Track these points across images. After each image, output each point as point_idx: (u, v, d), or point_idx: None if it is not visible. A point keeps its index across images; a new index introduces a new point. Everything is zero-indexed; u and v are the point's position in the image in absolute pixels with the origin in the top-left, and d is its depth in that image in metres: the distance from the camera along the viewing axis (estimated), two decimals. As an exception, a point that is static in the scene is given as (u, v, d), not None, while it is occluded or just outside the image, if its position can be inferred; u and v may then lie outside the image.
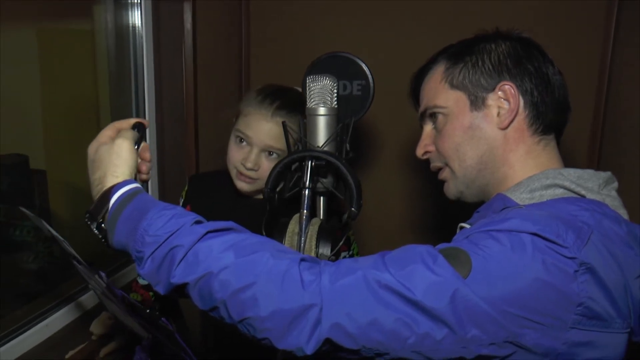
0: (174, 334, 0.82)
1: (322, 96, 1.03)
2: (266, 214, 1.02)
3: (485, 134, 1.02)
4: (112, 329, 1.50)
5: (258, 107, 1.37)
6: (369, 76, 1.08)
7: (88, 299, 1.63)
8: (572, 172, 0.96)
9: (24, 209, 1.08)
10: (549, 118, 1.01)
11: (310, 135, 1.04)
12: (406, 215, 2.18)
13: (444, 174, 1.09)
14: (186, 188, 1.57)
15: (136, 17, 1.86)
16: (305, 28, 2.15)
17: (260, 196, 1.03)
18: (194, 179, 1.61)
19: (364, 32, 2.08)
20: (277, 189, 1.04)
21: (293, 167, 1.03)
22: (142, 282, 1.56)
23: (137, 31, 1.86)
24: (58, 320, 1.52)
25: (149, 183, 1.92)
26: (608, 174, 0.98)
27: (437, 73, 1.07)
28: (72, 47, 1.79)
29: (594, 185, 0.94)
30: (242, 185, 1.40)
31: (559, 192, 0.94)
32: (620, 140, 1.90)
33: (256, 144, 1.36)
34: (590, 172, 0.97)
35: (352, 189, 0.97)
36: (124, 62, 1.86)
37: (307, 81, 1.05)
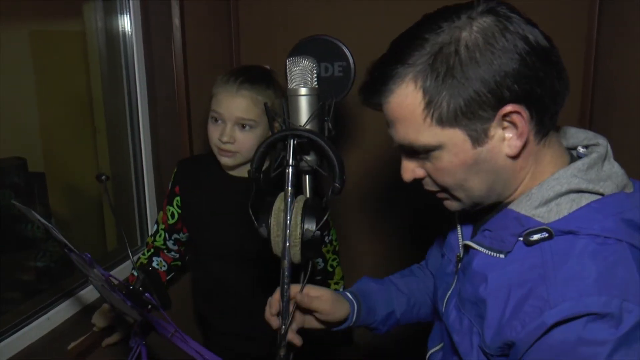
0: (159, 307, 0.84)
1: (302, 77, 1.05)
2: (252, 193, 1.04)
3: (494, 166, 0.89)
4: (114, 320, 1.53)
5: (224, 86, 1.52)
6: (350, 57, 1.10)
7: (88, 293, 1.66)
8: (580, 165, 0.89)
9: (15, 202, 1.13)
10: (555, 117, 0.88)
11: (292, 115, 1.06)
12: (392, 197, 2.23)
13: (443, 196, 0.98)
14: (175, 170, 1.70)
15: (125, 16, 1.88)
16: (293, 14, 2.18)
17: (246, 175, 1.06)
18: (182, 162, 1.74)
19: (350, 15, 2.10)
20: (263, 169, 1.06)
21: (278, 147, 1.06)
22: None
23: (126, 30, 1.89)
24: (60, 313, 1.55)
25: (145, 177, 1.96)
26: (602, 146, 0.93)
27: (410, 101, 0.86)
28: (63, 48, 1.82)
29: (606, 170, 0.90)
30: (225, 160, 1.54)
31: (574, 197, 0.87)
32: (611, 118, 1.92)
33: (228, 118, 1.50)
34: (594, 156, 0.90)
35: (335, 165, 0.99)
36: (115, 60, 1.88)
37: (288, 63, 1.07)
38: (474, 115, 0.83)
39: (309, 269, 1.06)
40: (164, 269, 1.74)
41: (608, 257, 0.81)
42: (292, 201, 1.00)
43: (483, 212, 1.00)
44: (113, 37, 1.88)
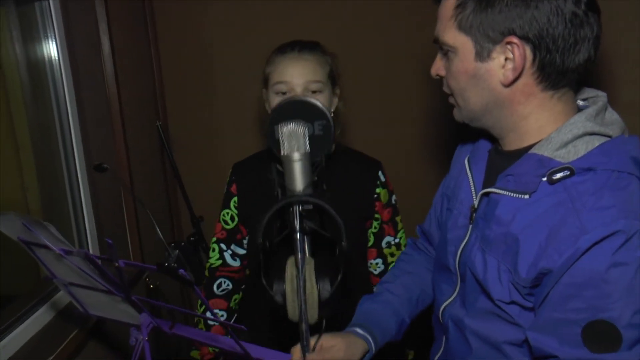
0: (192, 284, 0.83)
1: (295, 141, 1.09)
2: (262, 263, 1.08)
3: (489, 86, 1.02)
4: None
5: (284, 56, 1.51)
6: (328, 115, 1.15)
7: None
8: (591, 111, 1.01)
9: None
10: (563, 77, 0.99)
11: (288, 179, 1.10)
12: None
13: (452, 101, 1.12)
14: (230, 172, 1.69)
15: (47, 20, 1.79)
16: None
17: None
18: (236, 164, 1.71)
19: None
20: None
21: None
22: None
23: (48, 35, 1.79)
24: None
25: (80, 186, 1.88)
26: (602, 97, 1.06)
27: (450, 2, 1.02)
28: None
29: (608, 117, 1.03)
30: None
31: (587, 139, 0.99)
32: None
33: (297, 84, 1.48)
34: (600, 104, 1.03)
35: (341, 227, 1.05)
36: (39, 70, 1.79)
37: (277, 130, 1.10)
38: (484, 32, 0.97)
39: (323, 327, 1.12)
40: (225, 291, 1.70)
41: (626, 188, 0.93)
42: (303, 266, 1.06)
43: (494, 167, 1.13)
44: (35, 46, 1.78)
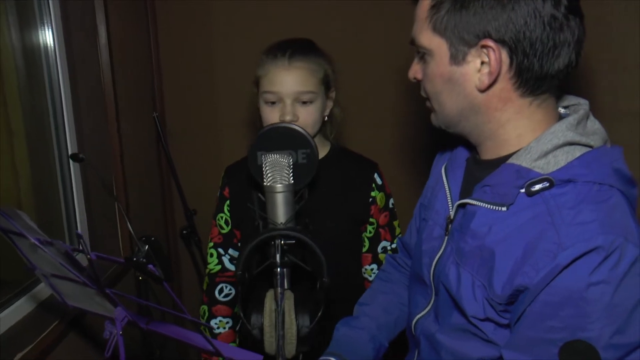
0: (162, 280, 0.84)
1: (279, 173, 1.07)
2: (240, 294, 1.07)
3: (464, 91, 0.99)
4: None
5: (273, 62, 1.43)
6: (312, 143, 1.13)
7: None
8: (572, 120, 0.98)
9: None
10: (542, 82, 0.96)
11: (270, 211, 1.09)
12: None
13: (429, 105, 1.09)
14: (222, 176, 1.66)
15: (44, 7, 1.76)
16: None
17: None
18: (229, 167, 1.67)
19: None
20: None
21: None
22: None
23: (44, 24, 1.76)
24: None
25: (72, 177, 1.87)
26: (584, 105, 1.03)
27: (427, 1, 0.99)
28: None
29: (589, 126, 1.00)
30: None
31: (568, 149, 0.96)
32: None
33: (286, 95, 1.42)
34: (581, 113, 1.00)
35: (323, 263, 1.04)
36: (35, 59, 1.76)
37: (263, 160, 1.07)
38: (459, 34, 0.95)
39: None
40: (228, 296, 1.66)
41: (607, 202, 0.91)
42: (282, 300, 1.05)
43: (472, 177, 1.11)
44: (31, 33, 1.75)
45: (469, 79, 0.97)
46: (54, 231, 1.85)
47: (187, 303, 2.60)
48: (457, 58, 0.96)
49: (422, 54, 1.03)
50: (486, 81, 0.95)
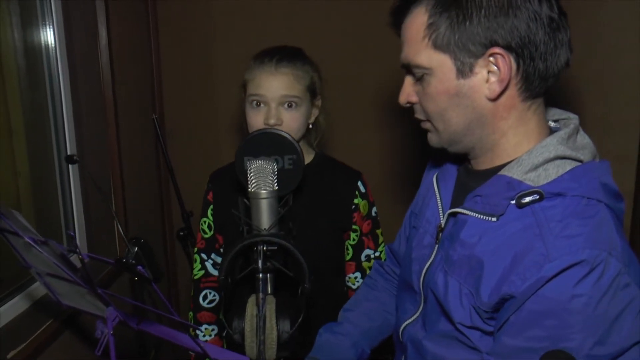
0: (151, 282, 0.85)
1: (263, 179, 1.08)
2: (222, 300, 1.07)
3: (473, 103, 0.99)
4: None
5: (261, 67, 1.47)
6: (299, 150, 1.13)
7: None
8: (563, 134, 0.99)
9: None
10: (545, 83, 0.99)
11: (254, 217, 1.09)
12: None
13: (427, 126, 1.09)
14: (207, 182, 1.69)
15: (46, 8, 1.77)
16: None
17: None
18: (214, 172, 1.70)
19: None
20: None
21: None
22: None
23: (46, 23, 1.78)
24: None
25: (70, 176, 1.88)
26: (574, 120, 1.05)
27: (419, 21, 0.98)
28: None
29: (579, 140, 1.02)
30: None
31: (559, 163, 0.97)
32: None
33: (271, 99, 1.45)
34: (571, 127, 1.02)
35: (304, 269, 1.04)
36: (35, 57, 1.77)
37: (246, 165, 1.08)
38: (464, 47, 0.95)
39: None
40: (212, 302, 1.67)
41: (594, 216, 0.93)
42: (264, 305, 1.05)
43: (463, 186, 1.11)
44: (33, 32, 1.77)
45: (478, 90, 0.98)
46: (52, 231, 1.87)
47: (184, 304, 2.61)
48: (464, 71, 0.97)
49: (421, 75, 1.02)
50: (497, 89, 0.96)
